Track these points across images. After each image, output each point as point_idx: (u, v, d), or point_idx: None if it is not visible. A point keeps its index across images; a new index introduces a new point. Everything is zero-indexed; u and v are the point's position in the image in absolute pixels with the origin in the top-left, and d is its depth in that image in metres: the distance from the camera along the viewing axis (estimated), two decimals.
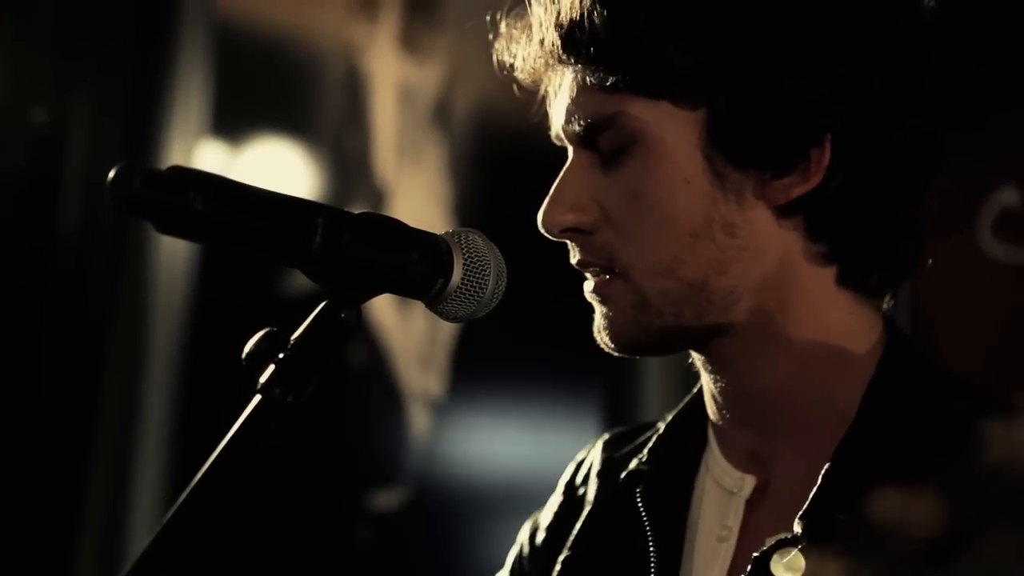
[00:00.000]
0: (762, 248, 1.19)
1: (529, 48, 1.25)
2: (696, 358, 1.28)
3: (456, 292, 1.05)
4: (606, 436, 1.44)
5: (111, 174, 0.91)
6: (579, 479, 1.42)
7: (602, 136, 1.20)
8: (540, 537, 1.41)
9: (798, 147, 1.17)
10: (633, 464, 1.32)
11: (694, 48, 1.16)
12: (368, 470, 2.76)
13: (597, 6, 1.18)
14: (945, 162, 1.25)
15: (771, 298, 1.21)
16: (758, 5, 1.16)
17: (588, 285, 1.24)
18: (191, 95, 3.07)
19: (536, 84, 1.28)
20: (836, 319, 1.22)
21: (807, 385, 1.22)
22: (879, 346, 1.23)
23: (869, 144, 1.19)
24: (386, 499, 2.70)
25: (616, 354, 1.25)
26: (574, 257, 1.24)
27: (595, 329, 1.24)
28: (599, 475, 1.38)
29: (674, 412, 1.36)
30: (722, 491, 1.26)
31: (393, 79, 2.85)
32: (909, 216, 1.23)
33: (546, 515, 1.42)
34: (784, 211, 1.19)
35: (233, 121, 3.09)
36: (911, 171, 1.22)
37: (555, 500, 1.43)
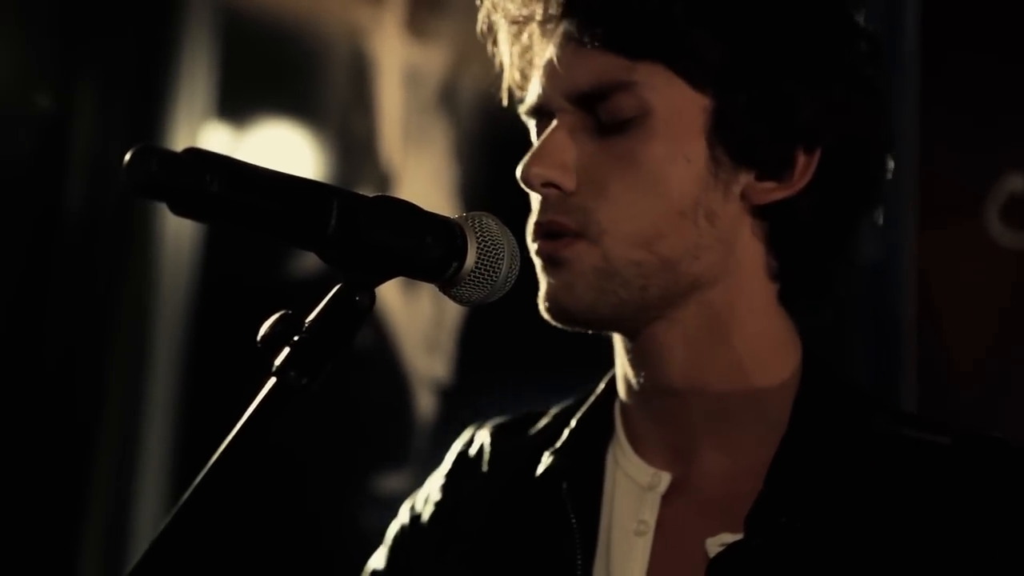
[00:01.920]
0: (731, 244, 1.23)
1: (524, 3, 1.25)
2: (623, 350, 1.28)
3: (470, 276, 1.05)
4: (488, 426, 1.43)
5: (127, 156, 0.90)
6: (466, 469, 1.40)
7: (605, 103, 1.20)
8: (423, 524, 1.39)
9: (790, 154, 1.22)
10: (549, 460, 1.31)
11: (724, 38, 1.19)
12: (374, 454, 2.77)
13: None
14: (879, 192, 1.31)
15: (721, 296, 1.23)
16: (787, 16, 1.21)
17: (538, 247, 1.24)
18: (196, 78, 3.06)
19: (517, 41, 1.27)
20: (773, 330, 1.26)
21: (739, 387, 1.24)
22: (801, 361, 1.27)
23: (849, 167, 1.24)
24: (392, 483, 2.70)
25: (559, 324, 1.25)
26: (543, 215, 1.23)
27: (543, 296, 1.23)
28: (491, 467, 1.38)
29: (584, 406, 1.35)
30: (635, 486, 1.27)
31: (399, 62, 2.84)
32: (852, 244, 1.29)
33: (426, 503, 1.41)
34: (757, 212, 1.23)
35: (238, 105, 3.08)
36: (870, 201, 1.29)
37: (436, 489, 1.41)
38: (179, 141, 3.03)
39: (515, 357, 2.53)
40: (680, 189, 1.20)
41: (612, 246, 1.20)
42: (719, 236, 1.22)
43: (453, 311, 2.64)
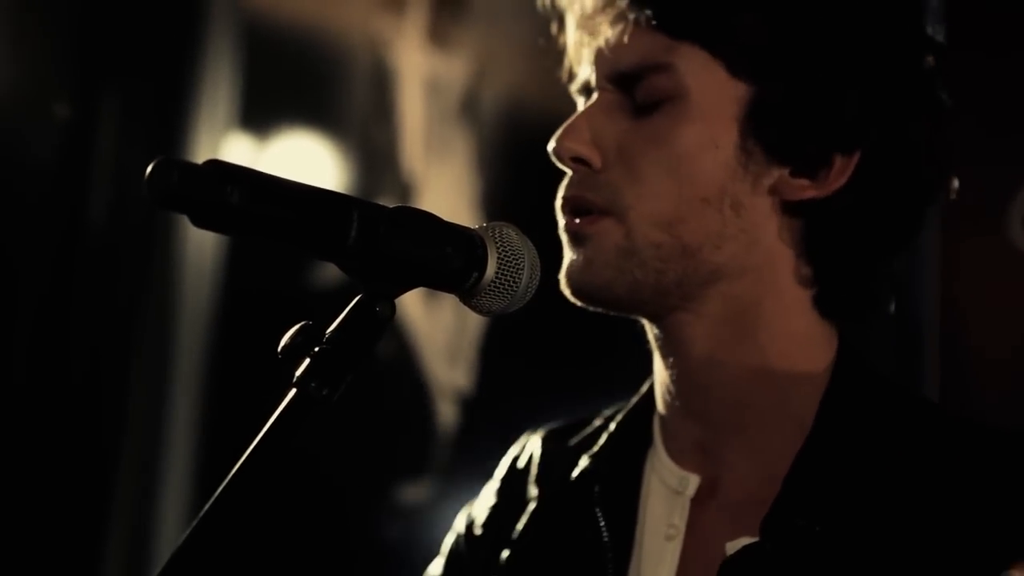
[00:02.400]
0: (757, 237, 1.21)
1: None
2: (654, 340, 1.27)
3: (490, 286, 1.05)
4: (541, 432, 1.43)
5: (149, 168, 0.91)
6: (517, 475, 1.41)
7: (643, 83, 1.20)
8: (477, 531, 1.40)
9: (828, 152, 1.19)
10: (585, 463, 1.31)
11: (766, 26, 1.17)
12: (395, 463, 2.77)
13: None
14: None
15: (747, 290, 1.22)
16: (832, 10, 1.18)
17: (565, 223, 1.24)
18: (218, 89, 3.07)
19: (581, 21, 1.27)
20: (801, 328, 1.24)
21: (765, 386, 1.23)
22: (834, 358, 1.25)
23: (890, 174, 1.21)
24: (413, 492, 2.71)
25: (577, 301, 1.25)
26: (569, 190, 1.23)
27: (564, 272, 1.23)
28: (540, 473, 1.38)
29: (623, 410, 1.35)
30: (667, 489, 1.26)
31: (420, 72, 2.85)
32: (890, 264, 1.26)
33: (481, 509, 1.41)
34: (789, 209, 1.21)
35: (260, 115, 3.09)
36: (918, 215, 1.25)
37: (490, 496, 1.41)
38: (201, 151, 3.04)
39: (536, 367, 2.53)
40: (706, 174, 1.19)
41: (636, 225, 1.19)
42: (743, 227, 1.20)
43: (475, 321, 2.64)
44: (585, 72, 1.26)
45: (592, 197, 1.21)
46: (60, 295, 3.05)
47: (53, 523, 2.97)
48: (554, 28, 1.33)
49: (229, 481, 0.93)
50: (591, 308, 1.26)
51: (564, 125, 1.23)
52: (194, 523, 0.93)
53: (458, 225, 1.05)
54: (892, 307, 1.28)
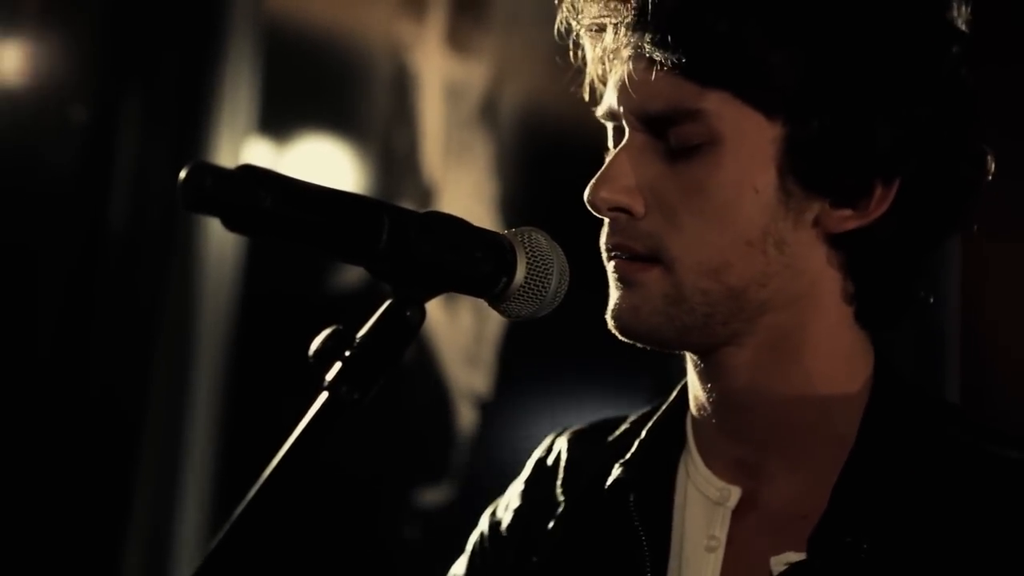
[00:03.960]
0: (802, 269, 1.20)
1: (600, 6, 1.23)
2: (692, 364, 1.27)
3: (519, 291, 1.05)
4: (567, 433, 1.42)
5: (182, 173, 0.91)
6: (544, 477, 1.40)
7: (677, 128, 1.18)
8: (503, 533, 1.39)
9: (868, 183, 1.18)
10: (618, 471, 1.30)
11: (799, 65, 1.15)
12: (415, 467, 2.77)
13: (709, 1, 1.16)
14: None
15: (793, 317, 1.21)
16: (862, 40, 1.16)
17: (614, 266, 1.22)
18: (239, 93, 3.09)
19: (599, 42, 1.25)
20: (844, 345, 1.24)
21: (808, 405, 1.23)
22: (873, 373, 1.25)
23: (929, 196, 1.20)
24: (433, 496, 2.71)
25: (625, 339, 1.24)
26: (611, 239, 1.22)
27: (611, 311, 1.22)
28: (567, 475, 1.37)
29: (654, 413, 1.34)
30: (706, 500, 1.26)
31: (440, 77, 2.85)
32: (929, 265, 1.27)
33: (506, 511, 1.41)
34: (832, 240, 1.21)
35: (281, 119, 3.10)
36: (949, 227, 1.25)
37: (516, 497, 1.41)
38: (222, 155, 3.05)
39: (555, 371, 2.53)
40: (748, 219, 1.17)
41: (683, 275, 1.18)
42: (788, 263, 1.19)
43: (494, 325, 2.65)
44: (610, 100, 1.23)
45: (635, 246, 1.20)
46: (81, 298, 3.07)
47: (73, 526, 2.98)
48: (571, 48, 1.29)
49: (264, 484, 0.94)
50: (637, 344, 1.26)
51: (598, 174, 1.21)
52: (228, 525, 0.93)
53: (487, 230, 1.06)
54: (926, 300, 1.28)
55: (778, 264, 1.19)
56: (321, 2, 3.19)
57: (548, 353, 2.51)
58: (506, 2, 2.81)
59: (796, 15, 1.15)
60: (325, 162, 3.04)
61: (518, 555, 1.35)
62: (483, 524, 1.43)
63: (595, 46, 1.25)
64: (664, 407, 1.34)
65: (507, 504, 1.41)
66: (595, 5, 1.23)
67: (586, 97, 1.30)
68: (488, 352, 2.67)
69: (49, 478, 2.97)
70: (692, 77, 1.16)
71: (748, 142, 1.17)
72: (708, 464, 1.27)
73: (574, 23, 1.26)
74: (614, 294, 1.22)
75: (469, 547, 1.43)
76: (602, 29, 1.23)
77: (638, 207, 1.20)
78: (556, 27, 1.28)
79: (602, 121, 1.27)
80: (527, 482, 1.41)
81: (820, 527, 1.18)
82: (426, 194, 2.83)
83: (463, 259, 1.03)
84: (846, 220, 1.19)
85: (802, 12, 1.15)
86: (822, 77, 1.15)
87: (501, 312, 1.07)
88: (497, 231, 1.07)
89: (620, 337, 1.24)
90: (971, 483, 1.18)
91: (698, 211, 1.18)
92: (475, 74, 2.79)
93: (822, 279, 1.21)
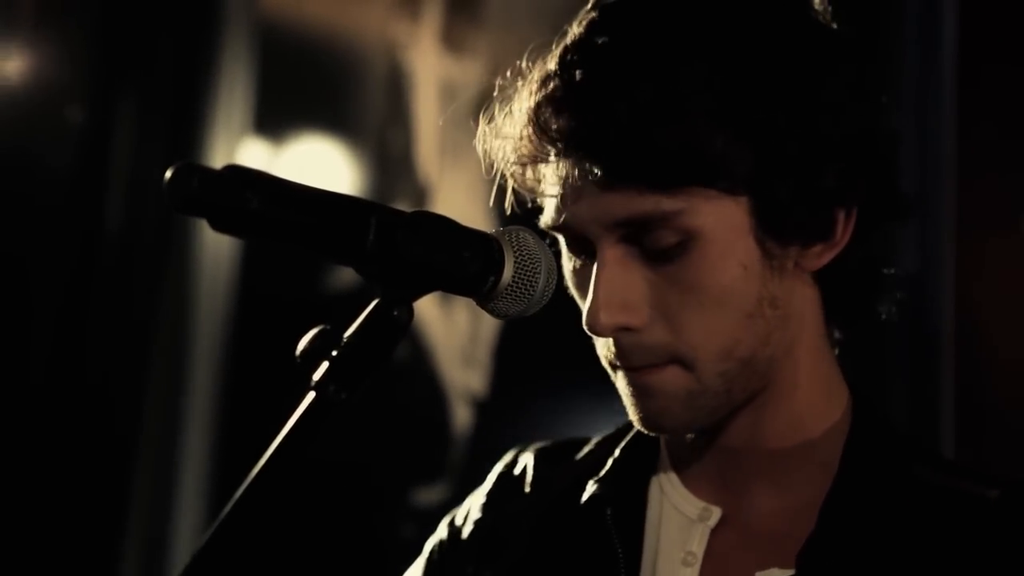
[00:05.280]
0: (791, 314, 1.24)
1: (523, 131, 1.20)
2: None
3: (507, 290, 1.05)
4: (531, 450, 1.43)
5: (168, 174, 0.91)
6: (507, 491, 1.40)
7: (652, 234, 1.17)
8: (462, 542, 1.40)
9: (830, 217, 1.22)
10: (594, 488, 1.32)
11: (750, 148, 1.17)
12: (410, 466, 2.77)
13: (650, 112, 1.15)
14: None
15: (789, 360, 1.25)
16: (800, 104, 1.18)
17: (630, 378, 1.22)
18: (234, 93, 3.09)
19: (523, 176, 1.24)
20: (825, 377, 1.28)
21: (795, 433, 1.26)
22: (850, 403, 1.29)
23: (879, 209, 1.26)
24: (428, 495, 2.71)
25: (660, 435, 1.28)
26: (623, 360, 1.21)
27: (639, 418, 1.23)
28: (535, 491, 1.38)
29: (624, 436, 1.35)
30: (683, 517, 1.28)
31: (435, 76, 2.86)
32: (887, 274, 1.31)
33: (467, 521, 1.41)
34: (813, 277, 1.25)
35: (276, 119, 3.10)
36: (897, 230, 1.31)
37: (476, 507, 1.41)
38: (217, 156, 3.05)
39: (551, 371, 2.53)
40: (744, 295, 1.19)
41: (703, 367, 1.20)
42: (783, 314, 1.22)
43: (489, 325, 2.65)
44: (561, 212, 1.20)
45: (651, 359, 1.20)
46: (77, 299, 3.07)
47: (71, 528, 2.98)
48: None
49: (250, 483, 0.94)
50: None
51: (590, 298, 1.20)
52: (215, 524, 0.93)
53: (475, 229, 1.06)
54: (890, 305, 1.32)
55: (775, 319, 1.22)
56: (316, 2, 3.19)
57: (543, 353, 2.51)
58: (500, 1, 2.81)
59: (732, 107, 1.16)
60: (320, 162, 3.04)
61: (477, 564, 1.36)
62: (441, 531, 1.43)
63: (523, 177, 1.24)
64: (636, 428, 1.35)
65: (467, 513, 1.42)
66: (525, 145, 1.21)
67: (509, 207, 1.28)
68: (483, 352, 2.68)
69: (46, 479, 2.97)
70: (655, 188, 1.16)
71: (724, 227, 1.18)
72: (686, 483, 1.29)
73: (498, 162, 1.25)
74: (634, 401, 1.23)
75: (426, 553, 1.43)
76: (535, 162, 1.22)
77: (640, 320, 1.19)
78: (482, 167, 1.26)
79: (548, 232, 1.24)
80: (489, 494, 1.41)
81: (809, 544, 1.21)
82: (421, 194, 2.83)
83: (451, 258, 1.03)
84: (820, 255, 1.23)
85: (736, 102, 1.16)
86: (773, 150, 1.18)
87: (489, 311, 1.07)
88: (486, 230, 1.08)
89: (654, 435, 1.27)
90: (938, 520, 1.22)
91: (697, 307, 1.19)
92: (470, 74, 2.79)
93: (805, 313, 1.26)
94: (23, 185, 3.06)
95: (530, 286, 1.06)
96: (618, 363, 1.22)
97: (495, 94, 1.26)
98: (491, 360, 2.67)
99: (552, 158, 1.19)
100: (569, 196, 1.19)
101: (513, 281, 1.05)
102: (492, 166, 1.27)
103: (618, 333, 1.21)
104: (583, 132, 1.16)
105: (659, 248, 1.18)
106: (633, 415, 1.24)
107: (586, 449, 1.40)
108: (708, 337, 1.19)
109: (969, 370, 2.02)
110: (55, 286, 3.06)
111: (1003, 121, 2.04)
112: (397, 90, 2.91)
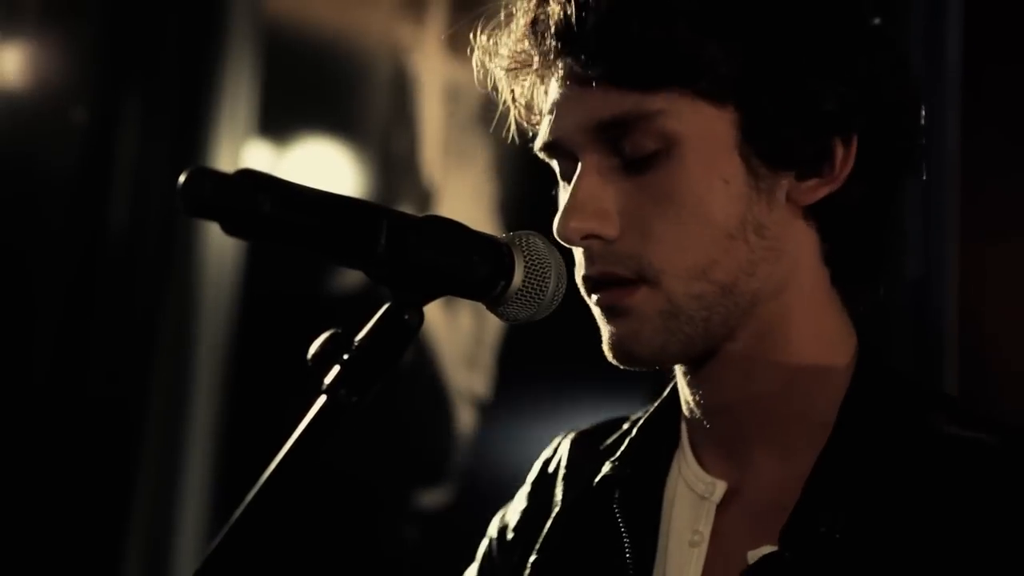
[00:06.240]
0: (783, 250, 1.20)
1: (519, 40, 1.21)
2: (678, 370, 1.26)
3: (517, 294, 1.06)
4: (572, 434, 1.42)
5: (181, 178, 0.92)
6: (546, 479, 1.40)
7: (630, 138, 1.16)
8: (509, 536, 1.40)
9: (827, 147, 1.18)
10: (607, 468, 1.30)
11: (737, 53, 1.15)
12: (414, 469, 2.77)
13: (633, 6, 1.15)
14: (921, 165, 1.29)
15: (781, 304, 1.21)
16: (791, 13, 1.17)
17: (598, 298, 1.20)
18: (239, 95, 3.09)
19: (517, 82, 1.24)
20: (827, 325, 1.23)
21: (793, 395, 1.22)
22: (855, 356, 1.24)
23: (884, 146, 1.21)
24: (432, 498, 2.71)
25: (628, 368, 1.22)
26: (590, 268, 1.19)
27: (608, 343, 1.20)
28: (566, 476, 1.37)
29: (647, 413, 1.34)
30: (693, 495, 1.25)
31: (440, 79, 2.86)
32: (896, 216, 1.26)
33: (513, 514, 1.41)
34: (806, 213, 1.20)
35: (280, 121, 3.10)
36: (906, 172, 1.26)
37: (522, 499, 1.41)
38: (222, 158, 3.06)
39: (554, 373, 2.53)
40: (724, 212, 1.16)
41: (674, 285, 1.17)
42: (770, 246, 1.19)
43: (493, 327, 2.65)
44: (549, 128, 1.21)
45: (617, 270, 1.18)
46: (81, 300, 3.07)
47: (74, 530, 2.98)
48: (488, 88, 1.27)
49: (262, 486, 0.94)
50: (635, 370, 1.23)
51: (563, 205, 1.19)
52: (227, 528, 0.93)
53: (485, 234, 1.06)
54: (893, 300, 1.28)
55: (761, 249, 1.18)
56: (321, 5, 3.20)
57: (547, 355, 2.51)
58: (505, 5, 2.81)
59: (720, 6, 1.15)
60: (325, 165, 3.04)
61: (521, 557, 1.35)
62: (492, 530, 1.43)
63: (518, 84, 1.25)
64: (656, 406, 1.33)
65: (514, 508, 1.42)
66: (513, 42, 1.22)
67: (516, 139, 1.29)
68: (487, 355, 2.68)
69: (50, 481, 2.98)
70: (634, 85, 1.15)
71: (706, 135, 1.16)
72: (698, 458, 1.27)
73: (491, 67, 1.25)
74: (606, 326, 1.20)
75: (480, 554, 1.44)
76: (524, 66, 1.22)
77: (611, 230, 1.17)
78: (474, 75, 1.27)
79: (544, 157, 1.25)
80: (533, 484, 1.42)
81: (792, 518, 1.17)
82: (425, 197, 2.83)
83: (461, 263, 1.03)
84: (816, 189, 1.19)
85: (725, 2, 1.16)
86: (761, 57, 1.16)
87: (499, 315, 1.07)
88: (495, 235, 1.08)
89: (623, 367, 1.22)
90: (948, 470, 1.16)
91: (673, 218, 1.16)
92: (474, 76, 2.79)
93: (801, 255, 1.21)
94: (27, 186, 3.06)
95: (540, 290, 1.06)
96: (590, 280, 1.19)
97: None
98: (495, 363, 2.67)
99: (539, 60, 1.19)
100: (557, 105, 1.19)
101: (523, 285, 1.05)
102: (486, 77, 1.27)
103: (588, 242, 1.18)
104: (567, 24, 1.16)
105: (639, 156, 1.16)
106: (605, 344, 1.20)
107: (619, 431, 1.37)
108: (678, 251, 1.16)
109: (973, 375, 2.02)
110: (59, 286, 3.07)
111: (1008, 125, 2.04)
112: (401, 93, 2.91)
